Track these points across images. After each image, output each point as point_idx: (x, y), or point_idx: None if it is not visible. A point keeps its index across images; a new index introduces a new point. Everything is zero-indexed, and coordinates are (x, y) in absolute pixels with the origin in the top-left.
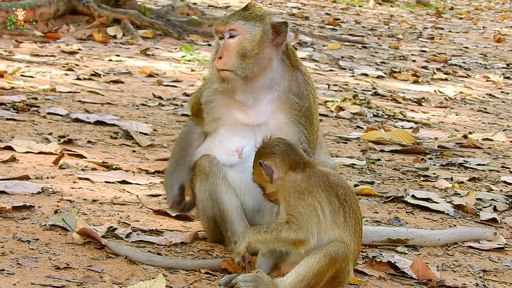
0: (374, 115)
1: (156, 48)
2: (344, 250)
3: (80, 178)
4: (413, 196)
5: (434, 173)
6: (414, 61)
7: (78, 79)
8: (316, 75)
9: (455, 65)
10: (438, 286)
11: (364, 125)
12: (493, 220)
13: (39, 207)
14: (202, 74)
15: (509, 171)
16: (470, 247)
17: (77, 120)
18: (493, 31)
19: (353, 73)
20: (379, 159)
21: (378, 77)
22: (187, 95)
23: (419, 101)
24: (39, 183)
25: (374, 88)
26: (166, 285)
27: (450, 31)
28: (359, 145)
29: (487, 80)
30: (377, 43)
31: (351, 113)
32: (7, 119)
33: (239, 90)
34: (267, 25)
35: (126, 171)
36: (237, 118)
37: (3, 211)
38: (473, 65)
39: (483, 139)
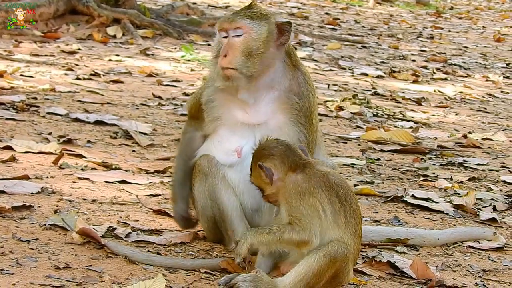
0: (374, 115)
1: (156, 48)
2: (344, 250)
3: (79, 178)
4: (412, 195)
5: (434, 173)
6: (413, 60)
7: (78, 79)
8: (315, 75)
9: (455, 64)
10: (437, 286)
11: (364, 124)
12: (493, 219)
13: (39, 207)
14: (202, 74)
15: (509, 170)
16: (470, 246)
17: (76, 120)
18: (492, 31)
19: (352, 72)
20: (378, 159)
21: (377, 76)
22: (187, 95)
23: (418, 100)
24: (38, 183)
25: (373, 88)
26: (165, 285)
27: (449, 31)
28: (359, 145)
29: (487, 80)
30: (376, 42)
31: (351, 112)
32: (7, 119)
33: (242, 88)
34: (272, 25)
35: (126, 171)
36: (237, 118)
37: (2, 211)
38: (473, 64)
39: (482, 138)
